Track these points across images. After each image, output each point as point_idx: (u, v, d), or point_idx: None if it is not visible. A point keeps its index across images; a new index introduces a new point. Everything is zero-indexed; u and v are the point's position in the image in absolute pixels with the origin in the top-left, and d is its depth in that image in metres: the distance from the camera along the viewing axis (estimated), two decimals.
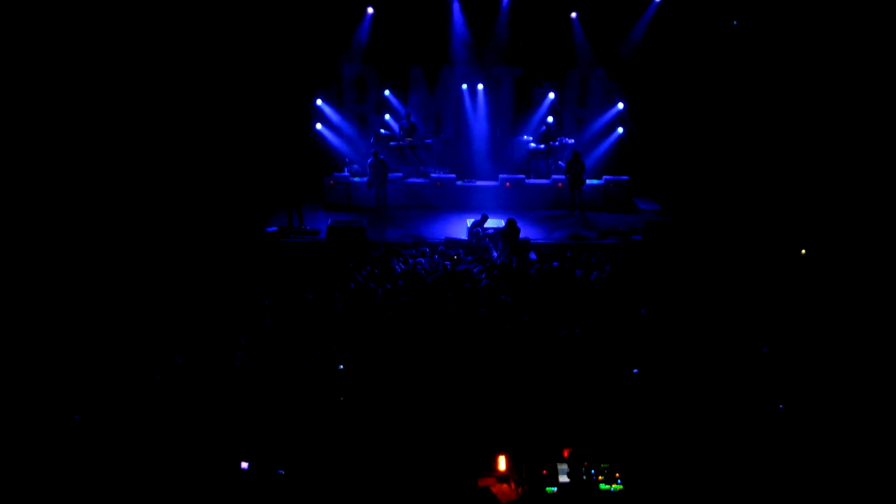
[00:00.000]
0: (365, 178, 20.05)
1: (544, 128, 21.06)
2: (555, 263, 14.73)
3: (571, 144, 20.90)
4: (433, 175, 20.64)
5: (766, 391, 8.43)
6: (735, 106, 20.28)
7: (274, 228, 17.46)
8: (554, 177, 20.73)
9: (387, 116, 21.54)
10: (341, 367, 8.65)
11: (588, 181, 19.65)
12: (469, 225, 17.68)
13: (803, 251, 15.43)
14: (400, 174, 20.58)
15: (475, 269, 14.17)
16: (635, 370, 9.00)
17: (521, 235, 16.69)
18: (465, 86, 21.46)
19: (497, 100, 21.73)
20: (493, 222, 17.33)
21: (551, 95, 21.50)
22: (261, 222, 18.23)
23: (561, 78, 21.52)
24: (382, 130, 21.08)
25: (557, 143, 20.89)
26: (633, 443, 7.47)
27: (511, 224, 15.98)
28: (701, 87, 20.65)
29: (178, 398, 7.89)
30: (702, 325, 10.47)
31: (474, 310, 10.93)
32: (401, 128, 21.18)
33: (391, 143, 20.99)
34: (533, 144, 21.11)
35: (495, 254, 15.87)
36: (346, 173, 20.59)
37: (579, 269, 14.09)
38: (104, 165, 17.19)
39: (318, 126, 21.09)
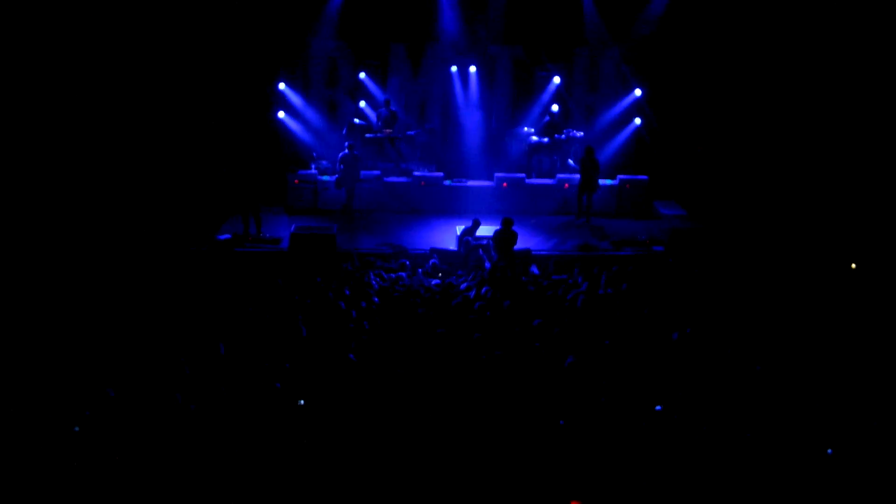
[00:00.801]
0: (334, 178, 20.04)
1: (548, 118, 21.09)
2: (559, 277, 14.97)
3: (580, 138, 20.92)
4: (416, 173, 20.64)
5: (819, 433, 8.29)
6: (773, 93, 20.34)
7: (227, 236, 17.53)
8: (559, 176, 20.76)
9: (362, 103, 21.50)
10: (302, 402, 8.57)
11: (600, 182, 19.77)
12: (458, 233, 17.67)
13: (853, 265, 15.46)
14: (377, 172, 20.52)
15: (463, 286, 14.39)
16: (657, 407, 8.94)
17: (521, 245, 16.73)
18: (454, 68, 21.46)
19: (493, 84, 21.75)
20: (486, 230, 17.36)
21: (556, 80, 21.52)
22: (211, 228, 18.27)
23: (568, 59, 21.56)
24: (357, 120, 21.04)
25: (563, 136, 20.92)
26: (652, 496, 7.40)
27: (507, 225, 16.02)
28: (733, 70, 20.67)
29: (107, 440, 7.74)
30: (737, 352, 10.42)
31: (467, 335, 10.88)
32: (379, 117, 21.17)
33: (367, 135, 20.96)
34: (535, 138, 21.13)
35: (489, 266, 15.98)
36: (314, 170, 20.55)
37: (588, 285, 14.07)
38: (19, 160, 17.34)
39: (281, 114, 21.04)
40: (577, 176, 19.71)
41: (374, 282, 14.25)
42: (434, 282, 14.95)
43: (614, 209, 20.50)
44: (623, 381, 9.55)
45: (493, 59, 21.59)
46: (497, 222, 16.48)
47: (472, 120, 21.64)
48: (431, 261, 16.41)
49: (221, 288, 13.50)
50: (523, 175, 20.70)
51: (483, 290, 13.33)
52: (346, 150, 19.15)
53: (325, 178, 20.33)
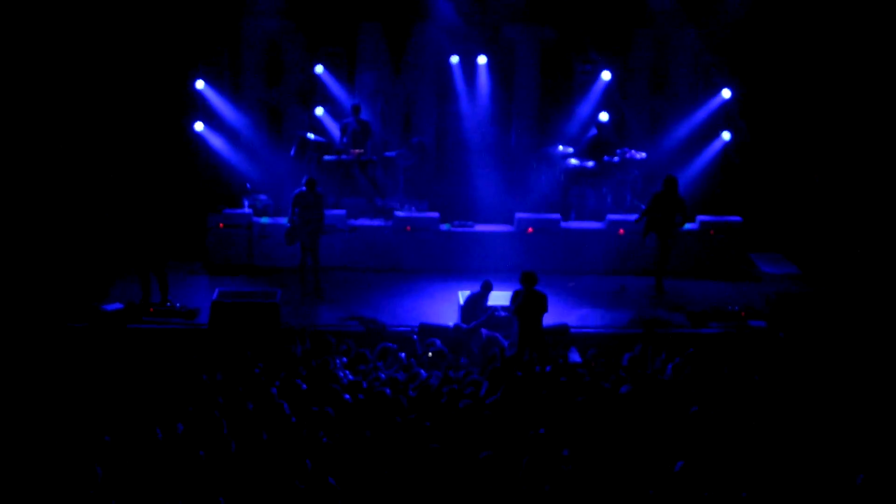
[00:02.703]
0: (280, 220, 19.88)
1: (594, 132, 21.10)
2: (609, 367, 15.04)
3: (641, 160, 20.95)
4: (400, 213, 20.64)
5: None
6: None
7: (117, 306, 17.58)
8: (611, 217, 20.71)
9: (319, 111, 21.56)
10: None
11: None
12: (462, 302, 17.63)
13: None
14: (341, 212, 20.49)
15: (470, 379, 14.35)
16: None
17: (556, 319, 16.64)
18: (455, 58, 21.49)
19: (512, 83, 21.69)
20: (504, 297, 17.28)
21: (606, 76, 21.56)
22: (94, 295, 18.33)
23: (623, 46, 21.70)
24: (311, 135, 21.07)
25: (617, 157, 20.92)
26: None
27: (528, 283, 16.11)
28: (865, 64, 20.84)
29: None
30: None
31: (473, 450, 10.88)
32: (344, 130, 21.15)
33: (326, 158, 20.96)
34: (574, 161, 21.13)
35: (506, 346, 16.25)
36: (247, 209, 20.61)
37: (649, 372, 14.39)
38: None
39: (198, 126, 21.14)
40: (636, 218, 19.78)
41: (340, 374, 14.23)
42: (435, 374, 14.83)
43: (692, 265, 20.48)
44: None
45: (511, 45, 21.69)
46: (518, 285, 16.37)
47: (480, 135, 21.72)
48: (430, 351, 16.35)
49: (107, 383, 13.48)
50: (558, 216, 20.70)
51: (497, 381, 13.42)
52: (304, 188, 18.85)
53: (264, 220, 20.27)
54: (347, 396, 12.77)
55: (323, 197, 19.21)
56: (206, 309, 17.51)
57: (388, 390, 13.12)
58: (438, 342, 16.44)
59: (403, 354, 15.76)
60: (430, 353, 16.11)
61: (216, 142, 21.30)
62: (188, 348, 15.87)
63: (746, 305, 18.56)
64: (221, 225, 20.30)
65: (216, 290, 17.54)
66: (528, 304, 16.02)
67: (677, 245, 19.62)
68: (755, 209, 21.27)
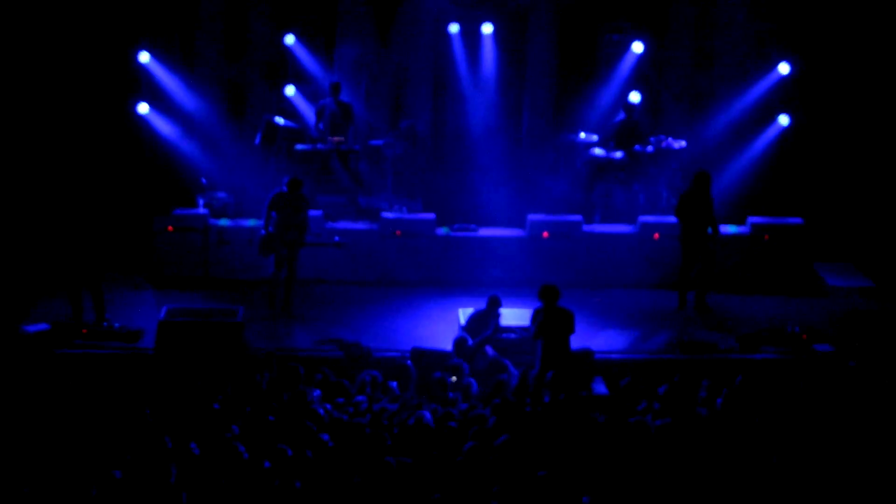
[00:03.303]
0: (242, 222, 20.01)
1: (623, 116, 21.13)
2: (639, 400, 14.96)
3: (680, 150, 21.05)
4: (388, 214, 20.69)
5: None
6: None
7: (42, 327, 17.62)
8: (644, 219, 20.78)
9: (290, 90, 21.67)
10: None
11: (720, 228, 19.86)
12: (464, 321, 17.65)
13: None
14: (317, 212, 20.37)
15: (474, 413, 14.32)
16: None
17: (578, 342, 16.64)
18: (455, 26, 21.57)
19: (523, 56, 21.80)
20: (513, 314, 17.50)
21: (638, 48, 21.70)
22: (13, 314, 18.33)
23: (659, 11, 21.80)
24: (280, 119, 21.20)
25: (651, 146, 21.03)
26: None
27: (549, 298, 16.27)
28: None
29: None
30: None
31: (479, 495, 10.95)
32: (320, 114, 21.29)
33: (299, 147, 21.07)
34: (599, 151, 21.24)
35: (515, 374, 16.27)
36: (202, 209, 20.66)
37: (689, 407, 14.22)
38: None
39: (142, 108, 21.12)
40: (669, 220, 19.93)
41: (318, 409, 14.13)
42: (433, 407, 14.71)
43: (742, 277, 20.55)
44: None
45: (522, 11, 21.78)
46: (532, 301, 16.54)
47: (485, 119, 21.79)
48: (457, 367, 16.27)
49: (30, 420, 13.43)
50: (579, 218, 20.72)
51: (507, 415, 13.47)
52: (284, 188, 18.82)
53: (223, 222, 20.35)
54: (327, 437, 12.71)
55: (308, 201, 19.16)
56: (151, 330, 17.49)
57: (379, 430, 13.14)
58: (466, 367, 16.38)
59: (395, 384, 15.82)
60: (453, 379, 16.02)
61: (164, 127, 21.28)
62: (129, 378, 15.82)
63: (809, 326, 18.42)
64: (171, 228, 20.27)
65: (164, 308, 17.55)
66: (552, 323, 16.07)
67: (718, 253, 19.58)
68: (820, 209, 21.27)
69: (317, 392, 15.16)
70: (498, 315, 17.37)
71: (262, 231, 18.87)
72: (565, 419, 13.80)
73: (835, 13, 21.41)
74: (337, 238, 20.20)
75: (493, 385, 15.90)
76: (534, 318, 16.20)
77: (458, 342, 17.07)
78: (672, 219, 19.87)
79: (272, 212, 18.73)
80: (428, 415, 13.99)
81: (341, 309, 19.34)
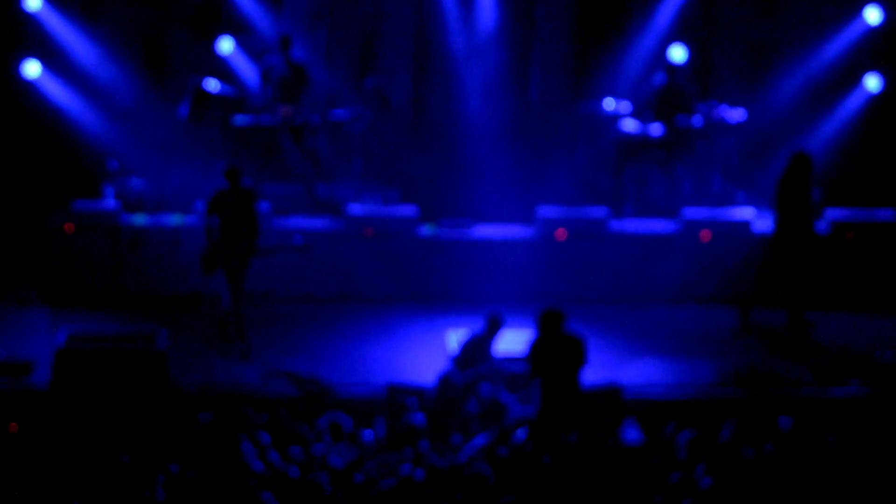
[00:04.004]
0: (164, 219, 19.98)
1: (663, 78, 21.04)
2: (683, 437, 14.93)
3: (738, 123, 20.88)
4: (354, 208, 20.56)
5: None
6: None
7: None
8: (689, 213, 20.55)
9: (225, 45, 21.63)
10: None
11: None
12: (455, 347, 17.39)
13: None
14: (264, 205, 20.07)
15: (468, 471, 14.20)
16: None
17: (603, 376, 16.53)
18: None
19: (529, 6, 21.80)
20: (518, 338, 17.46)
21: None
22: None
23: None
24: (213, 84, 21.11)
25: (699, 117, 20.86)
26: None
27: (550, 323, 16.10)
28: None
29: None
30: None
31: None
32: (265, 76, 21.31)
33: (237, 120, 21.00)
34: (631, 124, 21.13)
35: (516, 411, 16.40)
36: (111, 201, 20.48)
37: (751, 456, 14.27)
38: None
39: (31, 68, 20.99)
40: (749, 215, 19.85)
41: (254, 463, 14.08)
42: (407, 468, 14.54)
43: (819, 288, 20.12)
44: None
45: None
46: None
47: (482, 85, 21.74)
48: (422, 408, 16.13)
49: None
50: (605, 211, 20.51)
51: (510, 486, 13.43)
52: (225, 182, 18.56)
53: (140, 218, 20.14)
54: (268, 496, 12.82)
55: (255, 194, 18.86)
56: (45, 360, 17.28)
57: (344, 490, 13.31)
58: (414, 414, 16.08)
59: (372, 435, 15.68)
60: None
61: (60, 94, 21.14)
62: (17, 420, 15.88)
63: None
64: (70, 227, 20.02)
65: (62, 331, 17.19)
66: (555, 356, 15.86)
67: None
68: None
69: (265, 438, 14.97)
70: (494, 340, 17.28)
71: (206, 242, 18.68)
72: (584, 475, 13.80)
73: None
74: (298, 238, 19.64)
75: (491, 432, 15.77)
76: (531, 349, 16.02)
77: (444, 380, 16.87)
78: (727, 212, 20.08)
79: (213, 215, 18.53)
80: (410, 470, 13.96)
81: (296, 332, 19.33)
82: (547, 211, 20.56)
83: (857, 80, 21.76)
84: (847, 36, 21.74)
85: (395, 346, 18.82)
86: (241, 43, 21.67)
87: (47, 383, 16.93)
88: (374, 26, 21.99)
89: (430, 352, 18.23)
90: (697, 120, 20.93)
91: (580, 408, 16.03)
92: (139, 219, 20.35)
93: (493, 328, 17.16)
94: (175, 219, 20.25)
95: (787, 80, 21.99)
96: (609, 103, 21.52)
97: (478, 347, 17.18)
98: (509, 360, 17.12)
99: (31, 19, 21.07)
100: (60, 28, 21.22)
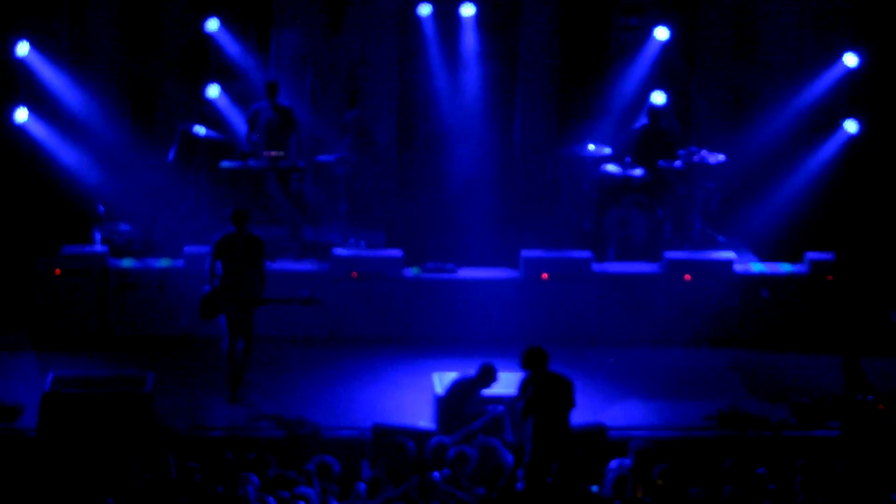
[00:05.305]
0: (153, 263, 20.08)
1: (644, 121, 21.24)
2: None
3: (718, 165, 20.99)
4: (340, 251, 20.64)
5: None
6: None
7: None
8: (671, 255, 20.71)
9: (213, 91, 21.71)
10: None
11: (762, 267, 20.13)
12: (441, 391, 17.46)
13: None
14: None
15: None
16: None
17: (587, 416, 16.59)
18: (426, 8, 21.71)
19: (515, 47, 21.96)
20: (502, 381, 17.54)
21: (662, 34, 21.81)
22: None
23: None
24: (200, 129, 21.17)
25: (680, 161, 20.99)
26: None
27: (535, 362, 16.03)
28: None
29: None
30: None
31: None
32: (252, 121, 21.35)
33: (224, 164, 21.05)
34: (613, 167, 21.30)
35: (509, 459, 16.29)
36: (99, 245, 20.54)
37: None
38: None
39: (21, 114, 21.00)
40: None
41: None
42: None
43: (800, 328, 20.60)
44: None
45: None
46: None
47: (467, 128, 21.93)
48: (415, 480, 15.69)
49: None
50: (588, 254, 20.62)
51: None
52: (230, 226, 18.51)
53: (128, 262, 20.27)
54: None
55: (262, 242, 18.75)
56: (33, 404, 17.23)
57: None
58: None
59: (363, 487, 15.58)
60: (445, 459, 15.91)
61: (49, 139, 21.18)
62: (5, 464, 15.88)
63: (886, 392, 18.32)
64: (58, 271, 20.11)
65: (49, 375, 17.10)
66: (546, 395, 15.83)
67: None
68: None
69: (254, 479, 15.03)
70: (484, 388, 17.38)
71: (207, 286, 18.65)
72: None
73: None
74: (306, 292, 19.50)
75: (488, 479, 15.81)
76: (521, 390, 16.03)
77: (436, 449, 16.55)
78: (709, 254, 20.32)
79: (217, 261, 18.56)
80: None
81: (282, 374, 19.36)
82: (531, 254, 20.72)
83: (835, 124, 21.85)
84: (825, 80, 21.87)
85: (381, 388, 18.92)
86: (229, 89, 21.76)
87: (34, 428, 16.75)
88: (359, 72, 22.10)
89: (416, 393, 18.35)
90: (678, 163, 21.05)
91: (572, 450, 15.90)
92: (126, 263, 20.43)
93: (484, 378, 17.34)
94: (163, 262, 20.24)
95: (767, 123, 22.08)
96: (591, 147, 21.65)
97: (466, 394, 17.32)
98: (500, 402, 17.11)
99: (20, 65, 21.15)
100: (49, 74, 21.27)
